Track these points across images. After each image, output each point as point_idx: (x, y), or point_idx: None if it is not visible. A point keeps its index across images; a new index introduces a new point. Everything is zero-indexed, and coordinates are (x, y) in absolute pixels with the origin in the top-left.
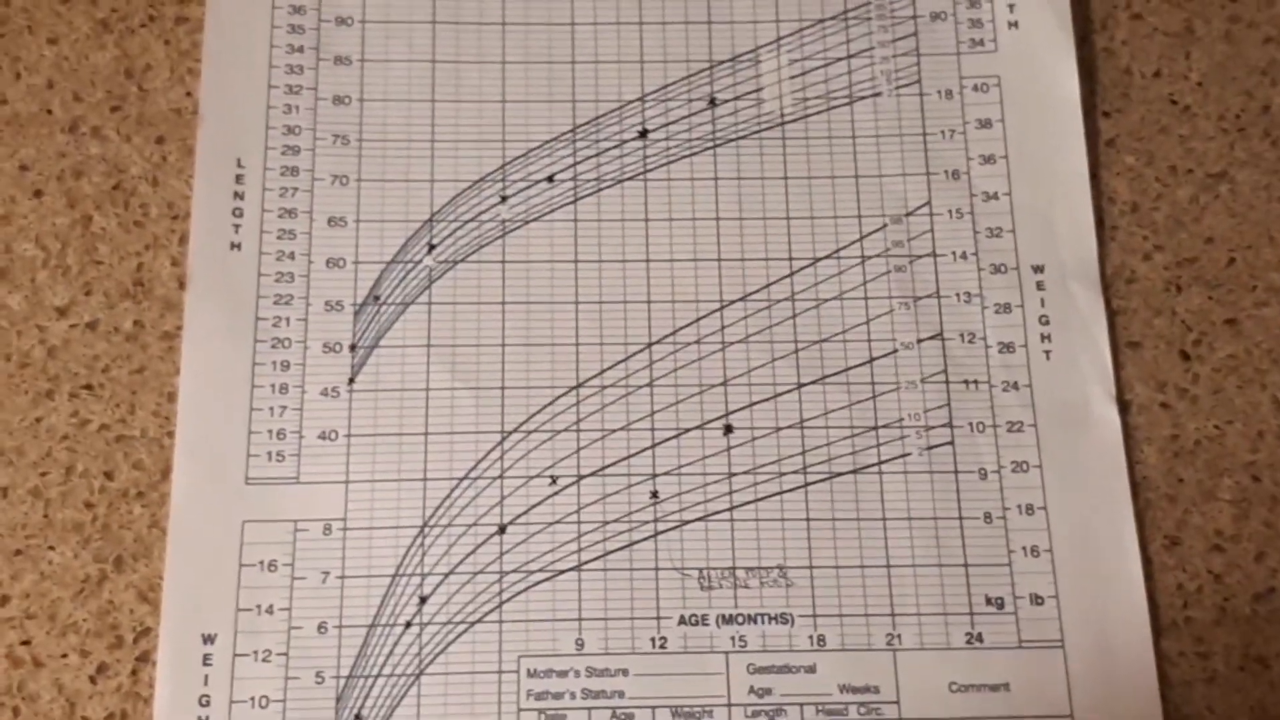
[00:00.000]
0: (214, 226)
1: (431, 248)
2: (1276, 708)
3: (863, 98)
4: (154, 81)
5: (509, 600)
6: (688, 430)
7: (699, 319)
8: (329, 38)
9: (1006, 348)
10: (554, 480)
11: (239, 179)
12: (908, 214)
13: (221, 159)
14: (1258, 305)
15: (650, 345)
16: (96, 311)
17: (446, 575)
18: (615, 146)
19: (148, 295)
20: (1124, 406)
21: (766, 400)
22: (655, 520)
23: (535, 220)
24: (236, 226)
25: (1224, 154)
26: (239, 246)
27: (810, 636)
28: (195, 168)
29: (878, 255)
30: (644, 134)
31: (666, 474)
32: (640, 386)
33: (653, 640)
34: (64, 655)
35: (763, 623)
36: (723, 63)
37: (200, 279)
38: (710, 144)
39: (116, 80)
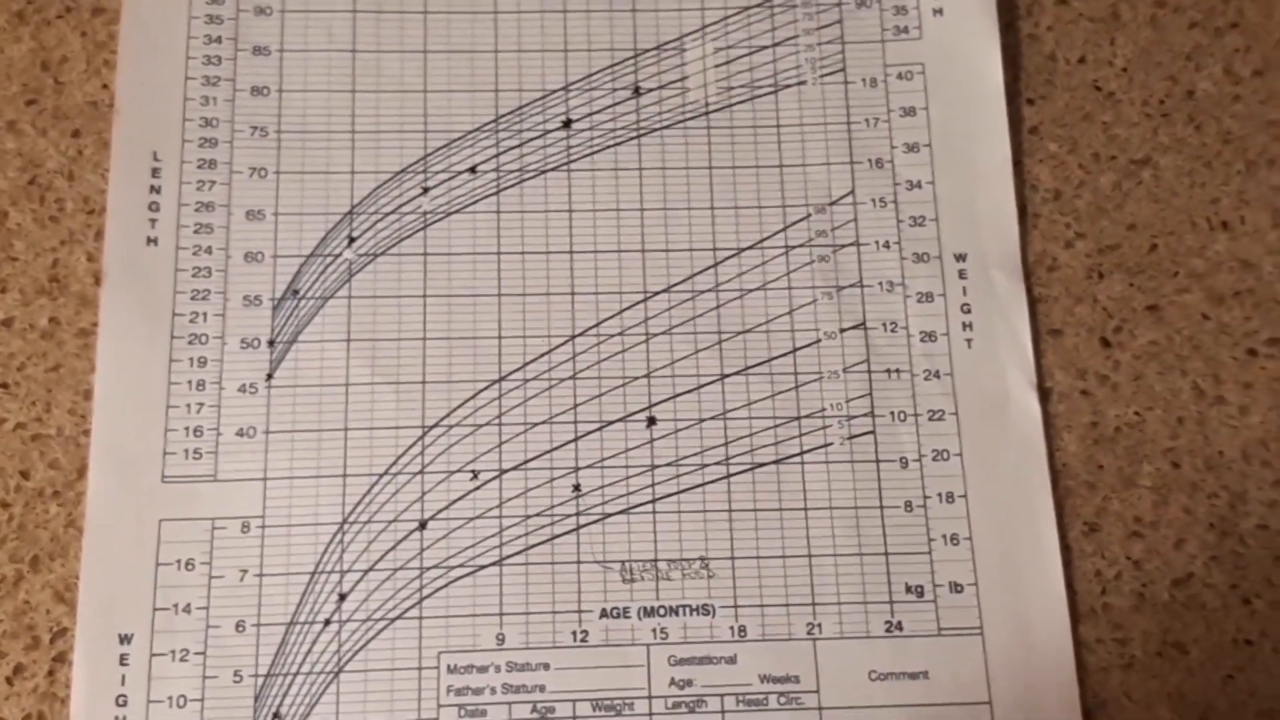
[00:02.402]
0: (130, 221)
1: (352, 240)
2: (1194, 694)
3: (787, 86)
4: (70, 74)
5: (429, 596)
6: (611, 423)
7: (622, 310)
8: (248, 28)
9: (928, 336)
10: (475, 475)
11: (155, 173)
12: (831, 203)
13: (137, 152)
14: (1179, 291)
15: (574, 337)
16: (12, 309)
17: (366, 572)
18: (539, 137)
19: (64, 291)
20: (1044, 394)
21: (690, 392)
22: (577, 514)
23: (457, 212)
24: (153, 221)
25: (1147, 140)
26: (155, 241)
27: (731, 627)
28: (111, 162)
29: (801, 245)
30: (568, 124)
31: (589, 467)
32: (563, 379)
33: (574, 634)
34: None
35: (684, 614)
36: (647, 51)
37: (116, 275)
38: (634, 134)
39: (32, 73)
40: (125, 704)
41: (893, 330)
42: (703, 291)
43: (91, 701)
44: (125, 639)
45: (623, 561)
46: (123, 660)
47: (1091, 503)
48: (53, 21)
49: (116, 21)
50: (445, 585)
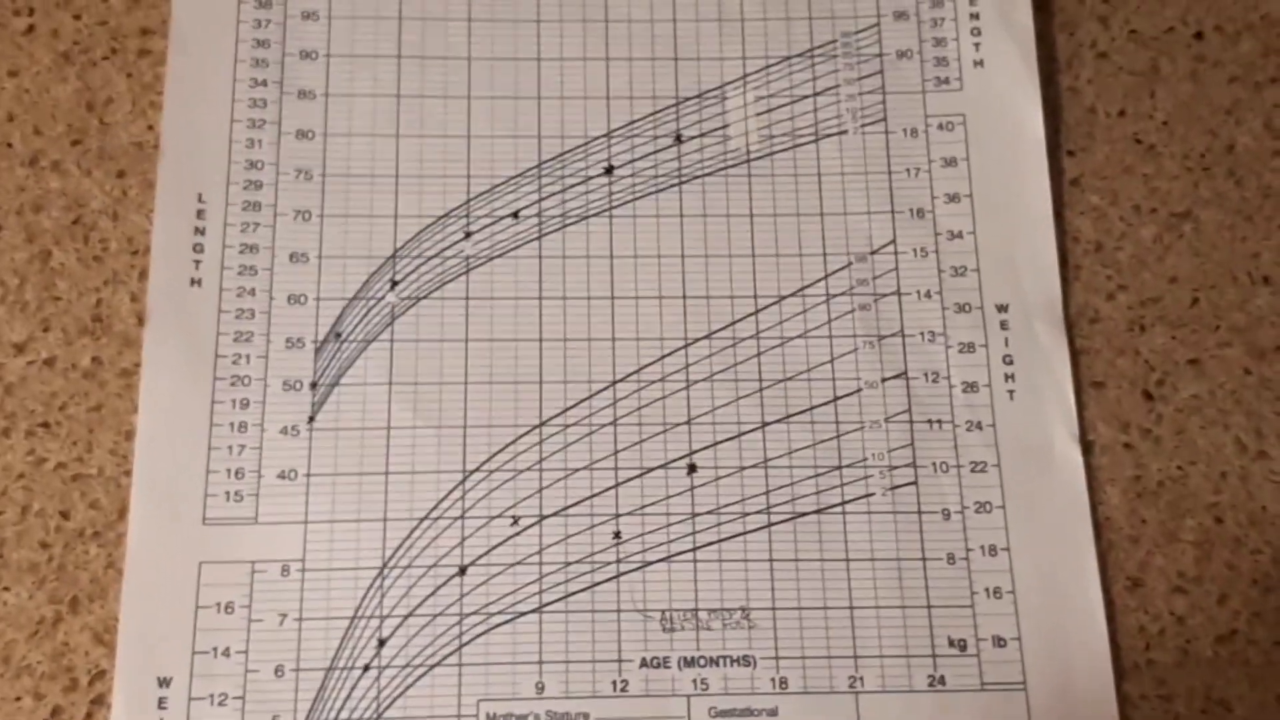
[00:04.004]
0: (174, 262)
1: (394, 284)
2: None
3: (828, 135)
4: (115, 115)
5: (469, 643)
6: (651, 470)
7: (663, 357)
8: (293, 72)
9: (970, 387)
10: (516, 520)
11: (200, 214)
12: (872, 252)
13: (182, 194)
14: (1221, 345)
15: (614, 383)
16: (54, 348)
17: (406, 617)
18: (581, 183)
19: (106, 331)
20: (1087, 447)
21: (730, 439)
22: (618, 561)
23: (499, 256)
24: (197, 262)
25: (1188, 193)
26: (199, 282)
27: (772, 679)
28: (155, 202)
29: (842, 294)
30: (610, 170)
31: (629, 514)
32: (604, 425)
33: (614, 683)
34: (17, 698)
35: (725, 665)
36: (689, 99)
37: (159, 315)
38: (676, 181)
39: (77, 113)
40: None
41: (934, 380)
42: (744, 339)
43: None
44: (164, 682)
45: (663, 610)
46: (161, 704)
47: (1135, 557)
48: (99, 62)
49: (162, 63)
50: (485, 632)
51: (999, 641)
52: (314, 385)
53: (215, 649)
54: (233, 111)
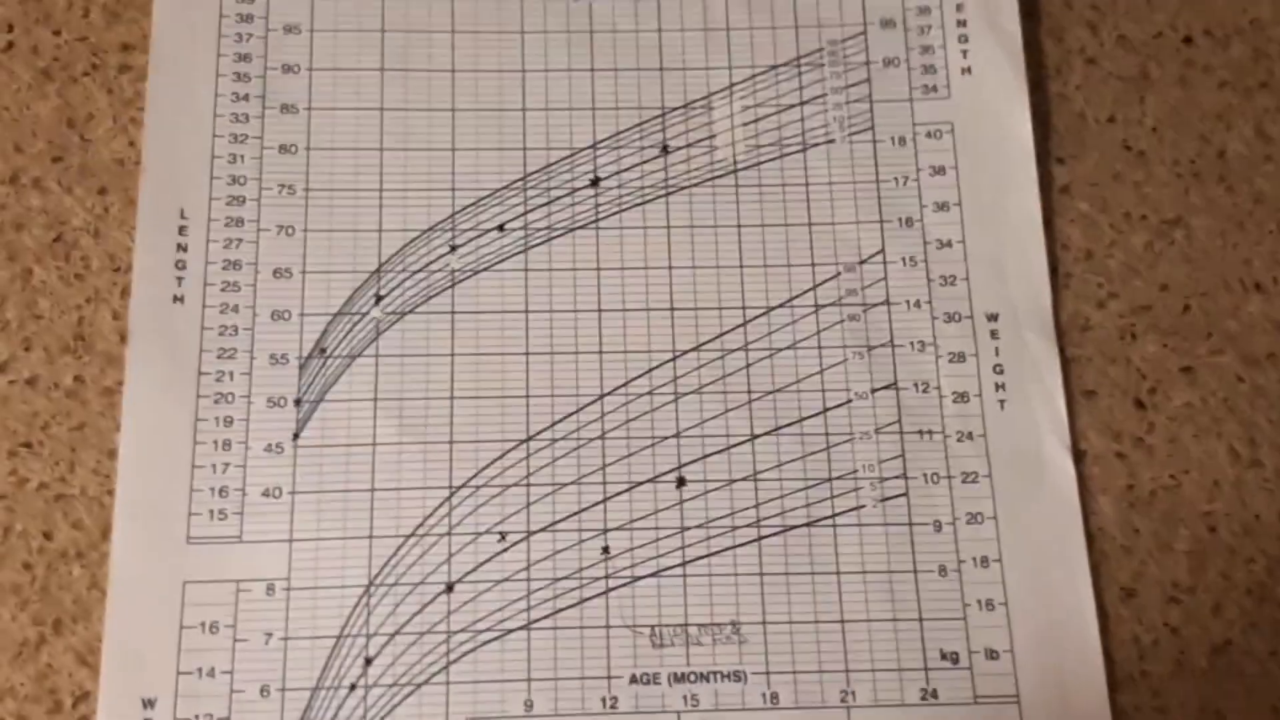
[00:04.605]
0: (156, 279)
1: (379, 299)
2: None
3: (816, 144)
4: (96, 131)
5: (456, 660)
6: (640, 484)
7: (651, 369)
8: (275, 86)
9: (961, 397)
10: (503, 536)
11: (182, 230)
12: (861, 262)
13: (164, 210)
14: (1213, 353)
15: (602, 397)
16: (36, 367)
17: (393, 635)
18: (567, 195)
19: (89, 350)
20: (1079, 456)
21: (720, 452)
22: (607, 576)
23: (485, 270)
24: (179, 279)
25: (1179, 200)
26: (182, 299)
27: (763, 694)
28: (137, 219)
29: (831, 304)
30: (596, 182)
31: (618, 529)
32: (592, 439)
33: (603, 700)
34: None
35: (715, 680)
36: (675, 109)
37: (142, 333)
38: (663, 192)
39: (58, 130)
40: None
41: (924, 391)
42: (732, 350)
43: None
44: (149, 703)
45: (653, 626)
46: None
47: (1128, 567)
48: (79, 79)
49: (143, 79)
50: (473, 649)
51: (991, 654)
52: (298, 402)
53: (200, 669)
54: (214, 126)
